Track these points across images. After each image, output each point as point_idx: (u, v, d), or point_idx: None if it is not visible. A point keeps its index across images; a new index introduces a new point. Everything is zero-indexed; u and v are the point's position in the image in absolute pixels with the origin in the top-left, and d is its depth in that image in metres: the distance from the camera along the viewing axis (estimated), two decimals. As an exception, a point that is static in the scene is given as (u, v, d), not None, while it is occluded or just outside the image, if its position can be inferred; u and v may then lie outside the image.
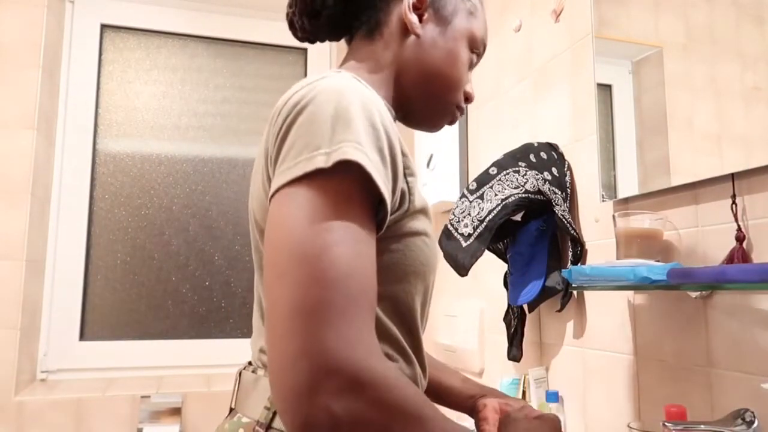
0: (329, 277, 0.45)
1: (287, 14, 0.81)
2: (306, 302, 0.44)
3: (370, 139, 0.54)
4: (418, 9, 0.75)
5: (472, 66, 0.81)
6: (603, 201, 1.20)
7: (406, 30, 0.75)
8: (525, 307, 1.39)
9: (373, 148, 0.54)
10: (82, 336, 2.01)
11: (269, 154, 0.59)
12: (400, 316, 0.67)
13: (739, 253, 0.86)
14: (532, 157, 1.31)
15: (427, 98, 0.77)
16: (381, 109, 0.59)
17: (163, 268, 2.12)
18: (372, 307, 0.48)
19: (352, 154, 0.51)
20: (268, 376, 0.47)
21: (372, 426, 0.44)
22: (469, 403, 0.85)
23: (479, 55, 0.81)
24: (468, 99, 0.82)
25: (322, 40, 0.83)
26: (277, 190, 0.53)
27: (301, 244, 0.47)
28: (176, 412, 1.87)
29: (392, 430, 0.44)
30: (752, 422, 0.81)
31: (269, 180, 0.59)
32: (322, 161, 0.50)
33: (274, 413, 0.62)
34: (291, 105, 0.58)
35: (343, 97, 0.55)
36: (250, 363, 0.72)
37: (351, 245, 0.48)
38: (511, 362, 1.46)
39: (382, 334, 0.65)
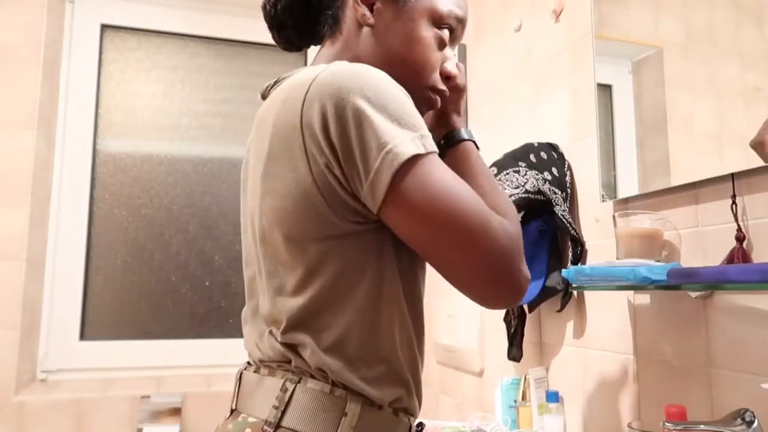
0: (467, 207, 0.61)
1: (269, 28, 0.83)
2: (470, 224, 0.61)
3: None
4: None
5: (447, 43, 0.76)
6: (603, 201, 1.20)
7: (360, 23, 0.73)
8: (525, 307, 1.39)
9: None
10: (82, 336, 2.01)
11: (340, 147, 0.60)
12: (416, 306, 0.69)
13: (739, 253, 0.86)
14: (532, 157, 1.31)
15: None
16: None
17: (163, 268, 2.12)
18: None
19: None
20: (467, 284, 0.62)
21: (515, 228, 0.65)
22: None
23: (452, 29, 0.76)
24: (448, 78, 0.77)
25: (306, 47, 0.84)
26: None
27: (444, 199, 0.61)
28: (176, 412, 1.87)
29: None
30: (752, 422, 0.81)
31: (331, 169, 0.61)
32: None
33: (283, 412, 0.62)
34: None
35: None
36: (249, 363, 0.72)
37: (460, 185, 0.63)
38: (511, 362, 1.46)
39: (403, 324, 0.67)
